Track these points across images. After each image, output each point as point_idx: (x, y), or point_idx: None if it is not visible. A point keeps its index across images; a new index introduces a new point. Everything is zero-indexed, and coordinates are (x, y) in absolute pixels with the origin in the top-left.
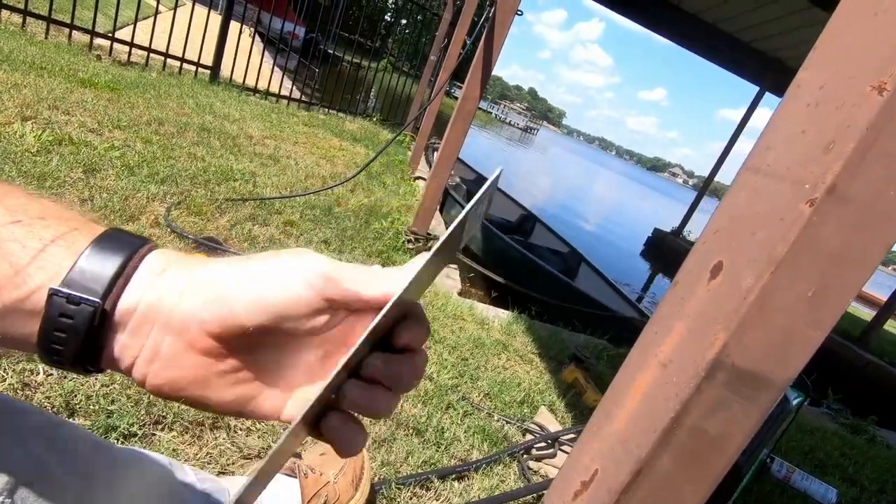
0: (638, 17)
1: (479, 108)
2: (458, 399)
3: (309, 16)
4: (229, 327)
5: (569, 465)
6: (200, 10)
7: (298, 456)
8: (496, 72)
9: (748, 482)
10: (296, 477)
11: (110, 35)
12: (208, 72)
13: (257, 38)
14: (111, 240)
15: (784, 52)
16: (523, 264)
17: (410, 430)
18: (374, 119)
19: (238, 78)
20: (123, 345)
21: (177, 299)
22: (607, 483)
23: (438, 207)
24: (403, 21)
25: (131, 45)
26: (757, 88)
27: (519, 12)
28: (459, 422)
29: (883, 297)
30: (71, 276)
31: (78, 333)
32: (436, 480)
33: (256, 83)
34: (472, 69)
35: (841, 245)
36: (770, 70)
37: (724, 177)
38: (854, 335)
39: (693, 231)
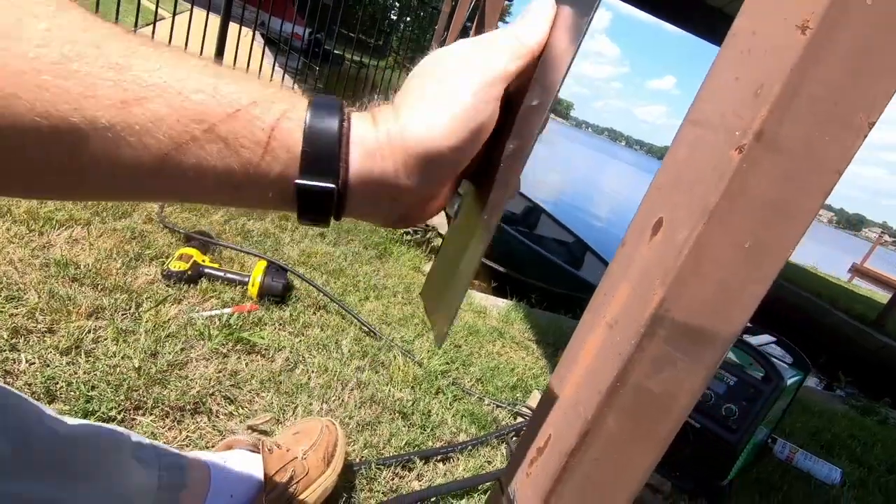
0: (644, 4)
1: None
2: (448, 384)
3: (313, 15)
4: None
5: (527, 433)
6: (200, 13)
7: (266, 433)
8: None
9: (745, 462)
10: (258, 453)
11: None
12: None
13: (259, 38)
14: (319, 108)
15: None
16: (527, 255)
17: (396, 414)
18: None
19: None
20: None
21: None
22: (559, 447)
23: None
24: (407, 18)
25: None
26: None
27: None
28: (448, 406)
29: None
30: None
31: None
32: (418, 462)
33: None
34: None
35: (774, 194)
36: None
37: None
38: (870, 319)
39: None
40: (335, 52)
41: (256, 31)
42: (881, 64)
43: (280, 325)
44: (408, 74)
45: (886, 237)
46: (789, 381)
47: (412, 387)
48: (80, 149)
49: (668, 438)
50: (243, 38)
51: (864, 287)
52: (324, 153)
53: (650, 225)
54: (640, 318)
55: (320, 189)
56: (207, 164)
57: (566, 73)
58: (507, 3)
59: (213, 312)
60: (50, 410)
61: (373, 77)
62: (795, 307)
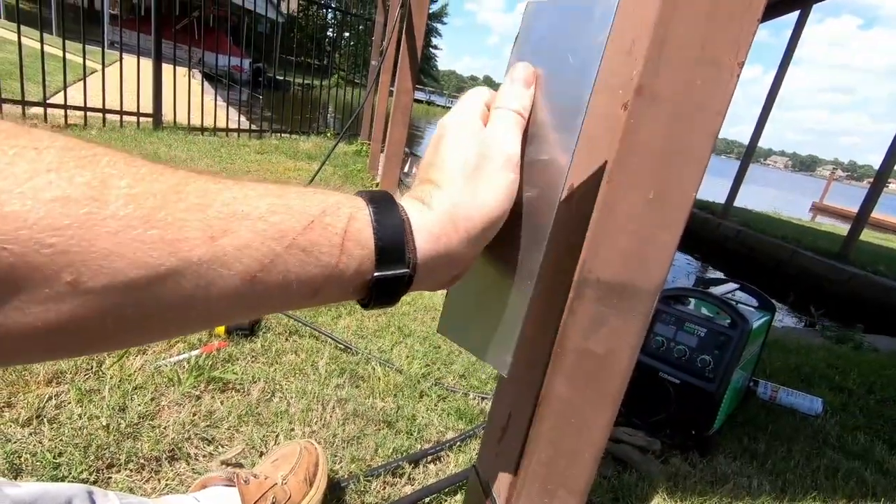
0: None
1: (440, 105)
2: (430, 386)
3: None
4: None
5: (491, 417)
6: (131, 59)
7: (241, 466)
8: (449, 66)
9: (730, 408)
10: (234, 486)
11: (42, 102)
12: (150, 119)
13: (197, 76)
14: (377, 204)
15: None
16: None
17: (381, 424)
18: (329, 134)
19: (182, 120)
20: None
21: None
22: (519, 422)
23: None
24: (346, 34)
25: (65, 107)
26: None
27: None
28: (433, 407)
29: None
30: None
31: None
32: (408, 466)
33: (202, 122)
34: (400, 62)
35: (665, 143)
36: None
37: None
38: (834, 252)
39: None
40: (279, 78)
41: (195, 69)
42: (731, 8)
43: (252, 357)
44: (355, 87)
45: (840, 172)
46: (756, 324)
47: (394, 394)
48: (180, 287)
49: (619, 393)
50: (181, 79)
51: (826, 223)
52: (395, 244)
53: (568, 191)
54: (568, 282)
55: (396, 277)
56: (291, 275)
57: (572, 157)
58: (431, 2)
59: (181, 357)
60: (2, 480)
61: (320, 96)
62: (764, 253)
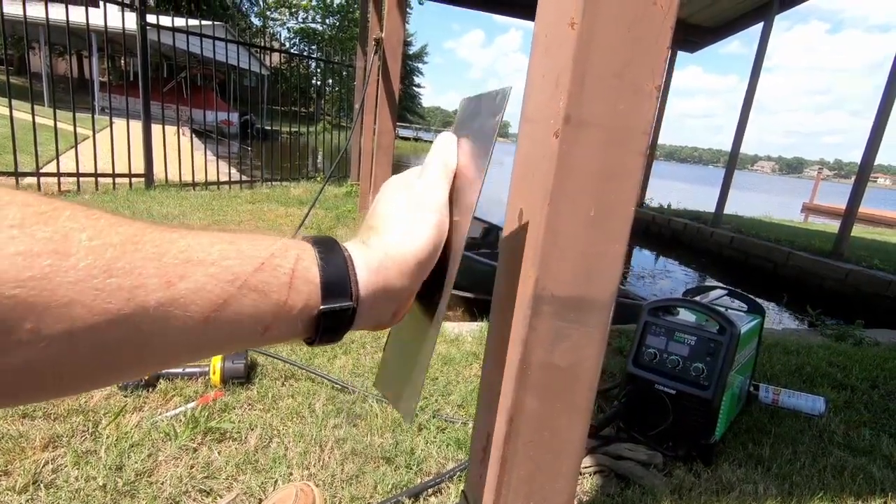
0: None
1: (427, 141)
2: (429, 418)
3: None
4: None
5: (473, 441)
6: (120, 122)
7: None
8: (434, 102)
9: (731, 415)
10: None
11: (35, 172)
12: (143, 179)
13: (186, 133)
14: (322, 245)
15: (684, 11)
16: (491, 275)
17: (379, 461)
18: (319, 178)
19: (174, 177)
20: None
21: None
22: (496, 441)
23: None
24: (330, 81)
25: (58, 175)
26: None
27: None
28: (432, 439)
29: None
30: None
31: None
32: (407, 501)
33: (193, 177)
34: (379, 105)
35: (598, 164)
36: (678, 30)
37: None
38: (828, 250)
39: (654, 198)
40: (267, 128)
41: (184, 127)
42: (642, 39)
43: (249, 404)
44: (342, 131)
45: (826, 171)
46: (745, 328)
47: (392, 430)
48: (138, 330)
49: (589, 403)
50: (171, 137)
51: (819, 223)
52: (339, 278)
53: (516, 216)
54: (525, 301)
55: (340, 308)
56: (243, 314)
57: (478, 195)
58: (408, 46)
59: (177, 411)
60: None
61: (308, 143)
62: (760, 258)
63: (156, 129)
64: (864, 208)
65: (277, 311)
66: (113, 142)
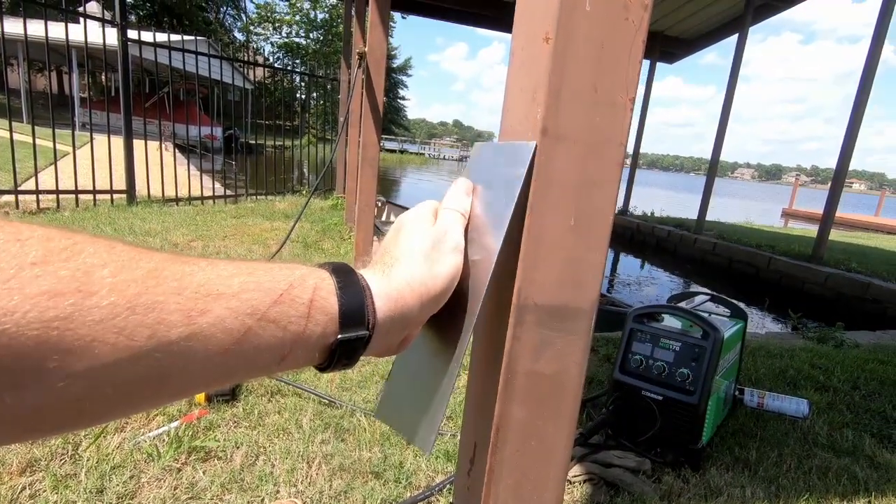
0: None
1: (412, 153)
2: None
3: (223, 114)
4: None
5: (460, 451)
6: (102, 138)
7: None
8: (419, 115)
9: (717, 419)
10: None
11: (13, 190)
12: (125, 196)
13: (168, 148)
14: (339, 273)
15: (661, 24)
16: None
17: (368, 476)
18: (304, 192)
19: (157, 193)
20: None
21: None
22: (483, 451)
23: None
24: (314, 94)
25: (37, 192)
26: (647, 63)
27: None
28: (421, 452)
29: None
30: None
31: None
32: None
33: (177, 192)
34: (363, 118)
35: (576, 175)
36: (656, 42)
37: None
38: (807, 255)
39: (638, 206)
40: (252, 142)
41: (167, 142)
42: (616, 53)
43: (234, 422)
44: (328, 143)
45: (804, 177)
46: (728, 332)
47: (381, 444)
48: (159, 365)
49: (574, 411)
50: (154, 153)
51: (798, 227)
52: (356, 309)
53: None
54: (506, 310)
55: (357, 338)
56: (263, 345)
57: (501, 241)
58: (391, 60)
59: (160, 430)
60: None
61: (293, 156)
62: (743, 262)
63: (138, 144)
64: (841, 213)
65: (295, 340)
66: (94, 158)
